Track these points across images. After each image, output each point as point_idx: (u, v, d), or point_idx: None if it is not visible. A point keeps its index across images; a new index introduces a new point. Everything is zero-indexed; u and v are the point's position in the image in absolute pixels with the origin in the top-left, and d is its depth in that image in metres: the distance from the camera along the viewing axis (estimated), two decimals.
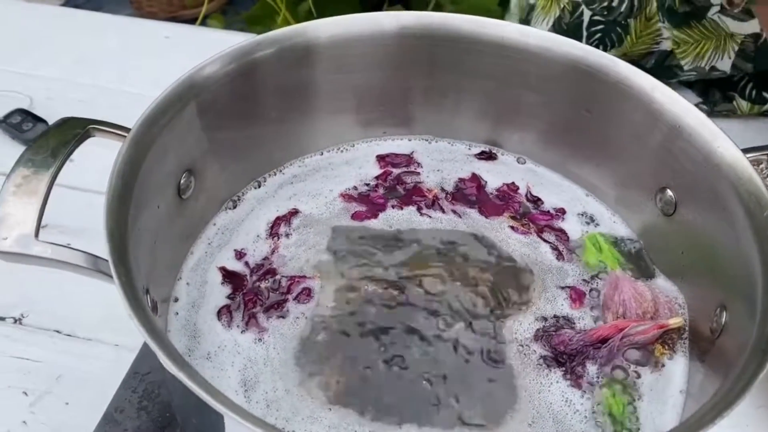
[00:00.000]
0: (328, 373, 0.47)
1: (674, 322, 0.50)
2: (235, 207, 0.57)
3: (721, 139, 0.48)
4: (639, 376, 0.48)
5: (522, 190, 0.59)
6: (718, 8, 0.73)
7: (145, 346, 0.55)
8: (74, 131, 0.45)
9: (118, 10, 1.65)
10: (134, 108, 0.50)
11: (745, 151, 0.48)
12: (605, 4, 0.78)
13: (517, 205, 0.58)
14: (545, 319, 0.51)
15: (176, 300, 0.51)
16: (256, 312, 0.50)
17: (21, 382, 0.55)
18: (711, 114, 0.77)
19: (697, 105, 0.76)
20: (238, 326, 0.50)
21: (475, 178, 0.60)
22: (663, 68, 0.79)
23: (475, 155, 0.62)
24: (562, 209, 0.58)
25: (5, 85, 0.78)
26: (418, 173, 0.60)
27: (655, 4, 0.76)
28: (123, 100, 0.76)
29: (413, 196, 0.58)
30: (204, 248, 0.54)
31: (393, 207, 0.57)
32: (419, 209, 0.57)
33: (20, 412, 0.54)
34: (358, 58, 0.56)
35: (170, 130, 0.47)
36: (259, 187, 0.58)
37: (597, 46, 0.79)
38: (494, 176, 0.60)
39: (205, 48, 0.49)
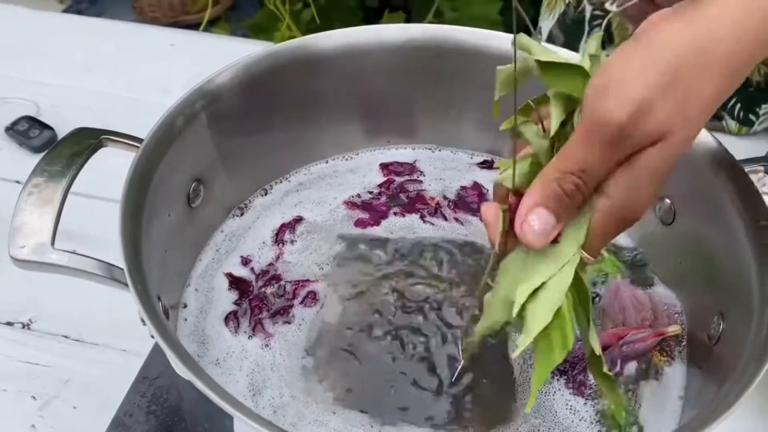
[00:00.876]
0: (332, 378, 0.48)
1: (672, 330, 0.51)
2: (242, 214, 0.58)
3: (720, 151, 0.50)
4: (638, 384, 0.49)
5: None
6: None
7: (154, 351, 0.56)
8: (87, 141, 0.46)
9: (120, 15, 1.67)
10: (141, 115, 0.51)
11: (743, 162, 0.49)
12: None
13: None
14: None
15: (185, 306, 0.52)
16: (263, 318, 0.51)
17: (29, 386, 0.56)
18: None
19: None
20: (245, 332, 0.51)
21: (476, 186, 0.61)
22: None
23: (477, 164, 0.63)
24: None
25: (12, 92, 0.78)
26: (421, 181, 0.61)
27: None
28: (130, 107, 0.77)
29: (416, 203, 0.59)
30: (212, 255, 0.55)
31: (395, 214, 0.58)
32: (422, 217, 0.58)
33: (29, 417, 0.54)
34: (364, 70, 0.57)
35: (181, 140, 0.48)
36: (266, 194, 0.59)
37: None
38: None
39: (210, 54, 0.50)
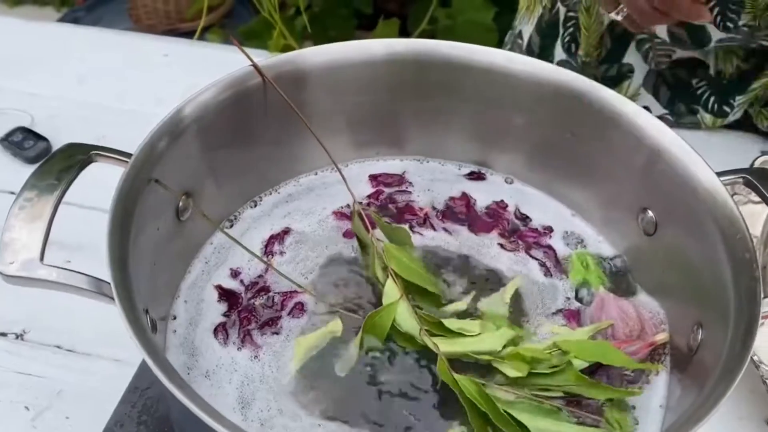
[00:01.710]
0: (319, 390, 0.49)
1: (660, 338, 0.52)
2: (231, 226, 0.59)
3: (699, 164, 0.50)
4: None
5: (511, 208, 0.61)
6: None
7: (145, 362, 0.57)
8: (78, 157, 0.47)
9: (116, 23, 1.67)
10: (135, 126, 0.52)
11: (720, 174, 0.50)
12: None
13: (506, 222, 0.60)
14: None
15: (174, 318, 0.53)
16: (251, 329, 0.52)
17: (22, 397, 0.57)
18: (676, 125, 0.77)
19: (662, 116, 0.77)
20: (234, 343, 0.51)
21: (464, 196, 0.62)
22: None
23: (465, 175, 0.63)
24: (550, 227, 0.60)
25: (7, 103, 0.79)
26: (410, 192, 0.62)
27: None
28: (124, 117, 0.78)
29: (405, 214, 0.60)
30: (201, 267, 0.56)
31: None
32: (411, 227, 0.59)
33: (22, 427, 0.55)
34: (351, 83, 0.58)
35: (170, 155, 0.49)
36: (255, 206, 0.60)
37: (571, 42, 0.81)
38: (483, 195, 0.62)
39: (204, 64, 0.51)
